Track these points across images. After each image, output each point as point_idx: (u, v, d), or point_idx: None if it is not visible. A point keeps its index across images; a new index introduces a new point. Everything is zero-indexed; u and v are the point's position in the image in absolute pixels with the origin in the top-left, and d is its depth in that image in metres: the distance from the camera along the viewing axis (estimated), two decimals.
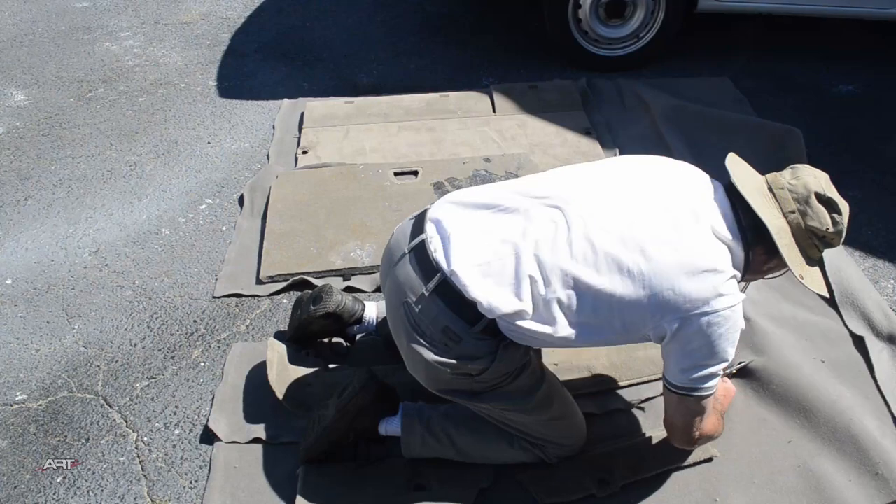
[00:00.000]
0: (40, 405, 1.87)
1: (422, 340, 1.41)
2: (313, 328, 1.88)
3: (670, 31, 3.27)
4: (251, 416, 1.78)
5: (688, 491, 1.62)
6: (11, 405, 1.86)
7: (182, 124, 3.03)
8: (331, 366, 1.89)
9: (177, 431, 1.79)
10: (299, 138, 2.89)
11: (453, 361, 1.40)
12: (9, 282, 2.24)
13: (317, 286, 2.16)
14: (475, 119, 3.00)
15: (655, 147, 2.76)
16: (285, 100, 3.16)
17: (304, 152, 2.79)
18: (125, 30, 3.79)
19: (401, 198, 2.51)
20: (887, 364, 1.92)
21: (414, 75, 3.39)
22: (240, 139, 2.93)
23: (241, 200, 2.56)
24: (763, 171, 1.49)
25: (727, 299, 1.31)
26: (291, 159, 2.77)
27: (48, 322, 2.10)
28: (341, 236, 2.34)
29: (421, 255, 1.43)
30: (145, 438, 1.77)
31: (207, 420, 1.78)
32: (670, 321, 1.32)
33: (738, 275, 1.37)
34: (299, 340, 1.93)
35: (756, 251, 1.38)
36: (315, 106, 3.08)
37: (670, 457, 1.67)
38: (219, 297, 2.16)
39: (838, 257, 2.22)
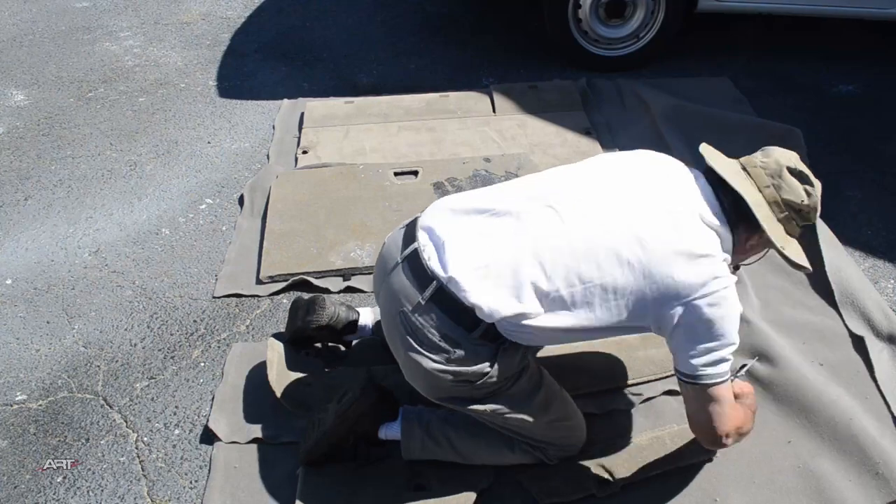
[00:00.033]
0: (40, 405, 1.87)
1: (420, 349, 1.41)
2: (309, 335, 1.88)
3: (670, 31, 3.27)
4: (251, 416, 1.78)
5: (688, 491, 1.62)
6: (11, 405, 1.86)
7: (182, 124, 3.03)
8: (330, 367, 1.89)
9: (177, 431, 1.79)
10: (299, 138, 2.89)
11: (453, 368, 1.40)
12: (9, 282, 2.24)
13: (317, 286, 2.16)
14: (475, 119, 3.00)
15: (655, 147, 2.70)
16: (285, 100, 3.16)
17: (304, 152, 2.79)
18: (125, 30, 3.79)
19: (401, 198, 2.51)
20: (887, 364, 1.92)
21: (414, 75, 3.39)
22: (240, 139, 2.93)
23: (241, 200, 2.56)
24: None
25: (722, 280, 1.35)
26: (291, 159, 2.77)
27: (48, 322, 2.10)
28: (341, 236, 2.34)
29: (415, 263, 1.43)
30: (145, 438, 1.77)
31: (207, 420, 1.78)
32: (672, 308, 1.34)
33: (728, 258, 1.40)
34: (297, 343, 1.93)
35: (739, 230, 1.42)
36: (315, 106, 3.07)
37: (670, 457, 1.67)
38: (219, 297, 2.16)
39: (838, 257, 2.23)
